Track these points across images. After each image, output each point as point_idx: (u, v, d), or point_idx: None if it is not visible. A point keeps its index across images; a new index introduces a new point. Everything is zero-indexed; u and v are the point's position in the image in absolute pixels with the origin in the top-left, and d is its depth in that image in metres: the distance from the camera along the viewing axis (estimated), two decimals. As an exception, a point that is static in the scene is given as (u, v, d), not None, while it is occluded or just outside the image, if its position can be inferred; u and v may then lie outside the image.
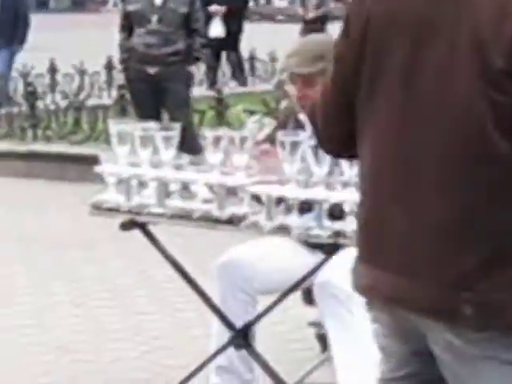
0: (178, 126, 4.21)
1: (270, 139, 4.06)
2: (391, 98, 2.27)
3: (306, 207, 3.85)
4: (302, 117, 4.30)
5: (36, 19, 15.89)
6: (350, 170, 3.74)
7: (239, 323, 4.06)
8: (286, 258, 4.12)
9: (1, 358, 5.15)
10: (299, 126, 4.24)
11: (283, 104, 9.07)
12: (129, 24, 9.11)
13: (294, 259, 4.09)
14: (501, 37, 2.08)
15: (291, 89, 4.29)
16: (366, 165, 2.35)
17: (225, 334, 4.10)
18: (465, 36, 2.17)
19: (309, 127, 4.09)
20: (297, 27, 22.40)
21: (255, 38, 17.30)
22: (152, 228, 4.21)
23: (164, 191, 4.06)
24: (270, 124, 4.44)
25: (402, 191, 2.26)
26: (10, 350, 5.33)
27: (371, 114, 2.31)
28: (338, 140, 2.48)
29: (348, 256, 3.83)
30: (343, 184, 3.77)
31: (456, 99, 2.17)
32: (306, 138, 3.83)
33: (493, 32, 2.14)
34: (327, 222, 3.79)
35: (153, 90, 8.79)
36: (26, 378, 4.85)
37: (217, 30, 15.87)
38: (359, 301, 3.86)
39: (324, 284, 3.93)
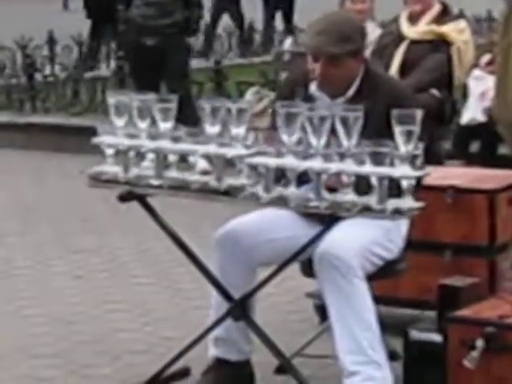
0: (176, 97, 4.22)
1: (269, 110, 4.09)
2: None
3: (304, 179, 3.88)
4: (314, 90, 4.32)
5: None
6: (347, 141, 3.75)
7: (238, 295, 4.09)
8: (286, 229, 4.13)
9: None
10: (309, 99, 4.23)
11: (282, 75, 9.00)
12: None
13: (293, 230, 4.12)
14: None
15: (313, 66, 4.24)
16: None
17: (223, 306, 4.11)
18: None
19: (323, 100, 4.22)
20: None
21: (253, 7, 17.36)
22: (150, 200, 4.22)
23: (162, 163, 4.06)
24: (268, 95, 4.47)
25: None
26: (7, 322, 5.34)
27: None
28: None
29: (348, 227, 3.88)
30: (340, 155, 3.77)
31: None
32: (305, 109, 3.82)
33: None
34: (325, 194, 3.79)
35: (151, 61, 8.76)
36: (22, 350, 4.84)
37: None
38: (359, 273, 3.92)
39: (324, 255, 3.92)
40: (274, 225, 4.17)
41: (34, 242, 6.84)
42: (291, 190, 3.84)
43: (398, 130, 3.68)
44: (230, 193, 3.94)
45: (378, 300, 4.05)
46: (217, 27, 16.10)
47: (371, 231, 4.04)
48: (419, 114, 3.74)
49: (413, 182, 3.70)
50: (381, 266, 4.11)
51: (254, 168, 3.90)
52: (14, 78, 10.54)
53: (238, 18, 16.25)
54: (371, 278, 4.01)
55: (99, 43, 13.31)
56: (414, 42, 6.88)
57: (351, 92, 4.23)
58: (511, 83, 3.64)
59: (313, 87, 4.29)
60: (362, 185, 3.76)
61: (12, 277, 6.10)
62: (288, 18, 18.08)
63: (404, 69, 6.95)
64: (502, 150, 6.98)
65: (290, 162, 3.83)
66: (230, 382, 4.20)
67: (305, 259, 4.16)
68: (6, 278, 6.03)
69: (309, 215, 4.03)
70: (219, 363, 4.21)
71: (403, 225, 4.16)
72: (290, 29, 12.01)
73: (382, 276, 4.14)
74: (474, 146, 7.13)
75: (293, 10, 18.93)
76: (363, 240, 4.02)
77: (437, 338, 4.16)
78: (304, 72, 4.42)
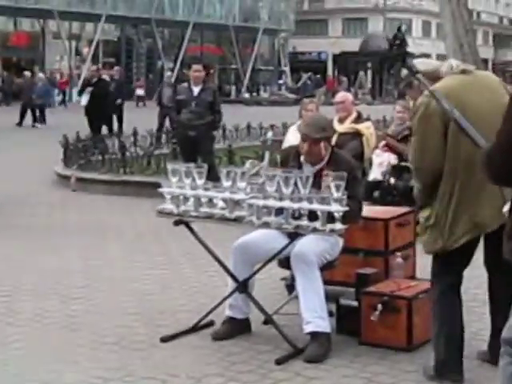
0: (206, 165, 4.29)
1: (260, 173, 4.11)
2: None
3: (279, 212, 3.88)
4: (302, 159, 4.26)
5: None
6: (303, 190, 3.79)
7: (242, 279, 4.08)
8: (270, 241, 4.08)
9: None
10: (299, 165, 4.23)
11: (266, 155, 9.03)
12: (178, 107, 9.03)
13: (274, 241, 4.06)
14: None
15: (303, 145, 4.21)
16: None
17: (234, 285, 4.12)
18: None
19: (306, 167, 4.17)
20: (275, 109, 22.07)
21: (250, 115, 17.28)
22: (191, 224, 4.24)
23: (198, 202, 4.08)
24: (257, 165, 4.48)
25: None
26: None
27: None
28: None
29: (310, 240, 3.95)
30: (299, 199, 3.80)
31: None
32: (298, 174, 3.86)
33: None
34: (291, 220, 3.85)
35: (192, 145, 8.70)
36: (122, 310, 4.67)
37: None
38: (316, 266, 3.95)
39: (297, 254, 3.93)
40: (264, 238, 4.11)
41: (116, 256, 6.42)
42: (271, 218, 3.87)
43: (332, 185, 3.73)
44: (237, 220, 3.97)
45: (324, 282, 4.03)
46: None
47: (323, 243, 4.03)
48: (345, 175, 3.77)
49: (341, 214, 3.72)
50: (326, 263, 4.10)
51: (250, 206, 3.90)
52: (113, 154, 10.57)
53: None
54: (321, 269, 4.01)
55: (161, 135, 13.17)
56: (341, 134, 6.85)
57: (324, 162, 4.19)
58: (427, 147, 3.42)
59: (302, 157, 4.25)
60: (312, 215, 3.80)
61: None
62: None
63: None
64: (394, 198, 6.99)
65: (271, 202, 3.85)
66: (237, 330, 4.16)
67: (281, 257, 4.14)
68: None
69: (283, 232, 4.01)
70: (230, 319, 4.18)
71: (341, 241, 4.13)
72: (271, 125, 12.04)
73: (326, 268, 4.12)
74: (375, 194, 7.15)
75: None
76: (319, 248, 4.01)
77: (355, 303, 4.17)
78: (296, 149, 4.36)
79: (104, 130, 13.91)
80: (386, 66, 47.14)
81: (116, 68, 22.02)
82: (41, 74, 26.09)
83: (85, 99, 12.53)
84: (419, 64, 3.71)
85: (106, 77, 15.08)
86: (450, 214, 3.36)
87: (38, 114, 21.38)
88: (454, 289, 3.53)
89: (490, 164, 2.21)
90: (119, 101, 15.78)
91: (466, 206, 3.34)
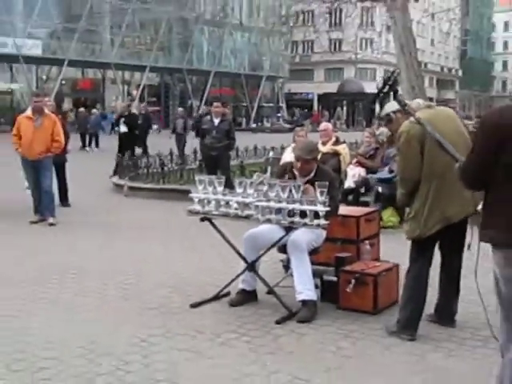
0: (224, 177, 4.29)
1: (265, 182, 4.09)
2: None
3: (278, 211, 3.86)
4: (296, 172, 4.21)
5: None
6: (296, 195, 3.78)
7: (250, 260, 4.09)
8: (272, 232, 4.06)
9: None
10: (293, 177, 4.22)
11: (268, 169, 9.02)
12: (202, 134, 9.00)
13: (275, 232, 4.05)
14: None
15: (296, 163, 4.20)
16: None
17: (244, 265, 4.12)
18: None
19: (299, 178, 4.11)
20: (275, 135, 21.79)
21: (256, 139, 17.25)
22: (214, 221, 4.22)
23: (218, 204, 4.07)
24: (262, 176, 4.45)
25: None
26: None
27: None
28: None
29: (302, 232, 3.93)
30: (293, 201, 3.79)
31: None
32: (292, 183, 3.85)
33: None
34: (287, 217, 3.83)
35: (213, 162, 8.66)
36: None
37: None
38: (306, 251, 3.92)
39: (293, 242, 3.92)
40: (267, 231, 4.08)
41: (169, 230, 6.44)
42: (272, 216, 3.86)
43: (318, 190, 3.74)
44: (247, 217, 3.96)
45: (311, 262, 4.01)
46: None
47: (311, 234, 4.02)
48: (327, 184, 3.76)
49: (324, 212, 3.71)
50: (313, 249, 4.08)
51: (256, 207, 3.90)
52: (154, 168, 10.52)
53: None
54: (309, 253, 3.99)
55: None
56: (324, 154, 6.81)
57: (312, 175, 4.15)
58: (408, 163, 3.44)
59: (296, 172, 4.22)
60: (303, 213, 3.78)
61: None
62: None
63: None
64: (362, 199, 7.03)
65: (272, 204, 3.86)
66: (247, 299, 4.14)
67: (280, 245, 4.12)
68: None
69: (281, 226, 3.98)
70: (242, 291, 4.16)
71: (324, 233, 4.10)
72: (272, 147, 11.98)
73: (313, 253, 4.09)
74: (349, 197, 7.09)
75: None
76: (308, 238, 3.99)
77: (334, 278, 4.16)
78: (291, 164, 4.35)
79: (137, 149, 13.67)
80: (357, 103, 47.02)
81: (142, 105, 21.60)
82: (94, 110, 25.35)
83: (123, 128, 12.47)
84: (391, 105, 3.76)
85: (135, 111, 14.95)
86: (426, 210, 3.37)
87: (93, 139, 21.10)
88: (425, 269, 3.50)
89: (463, 176, 2.34)
90: (154, 128, 15.56)
91: (438, 204, 3.34)
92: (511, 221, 2.17)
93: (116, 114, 16.92)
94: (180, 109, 20.45)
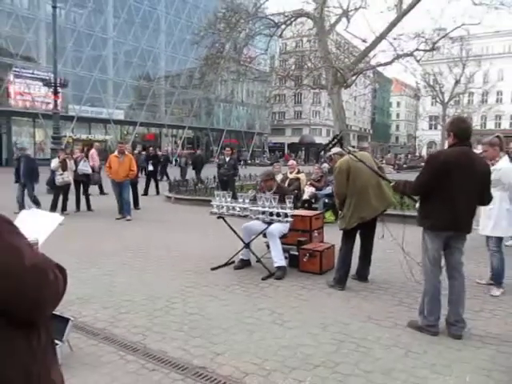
0: (231, 192, 4.27)
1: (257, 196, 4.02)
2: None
3: (263, 212, 3.75)
4: (275, 187, 3.96)
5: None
6: (273, 202, 3.67)
7: (247, 241, 3.98)
8: (259, 225, 3.92)
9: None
10: (279, 191, 4.01)
11: (257, 188, 8.60)
12: (218, 166, 8.87)
13: (261, 225, 3.91)
14: None
15: (261, 184, 4.08)
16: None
17: (243, 245, 4.00)
18: None
19: (267, 192, 3.93)
20: (261, 167, 20.36)
21: (251, 170, 16.79)
22: (225, 218, 4.07)
23: (228, 208, 3.97)
24: (254, 192, 4.35)
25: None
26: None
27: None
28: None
29: (275, 225, 3.74)
30: (271, 206, 3.69)
31: None
32: (270, 196, 3.66)
33: None
34: (268, 216, 3.73)
35: (224, 183, 8.52)
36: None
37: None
38: (278, 236, 3.74)
39: (270, 231, 3.81)
40: (256, 224, 3.93)
41: (199, 225, 6.12)
42: (260, 216, 3.77)
43: (287, 200, 3.66)
44: (245, 216, 3.86)
45: (282, 243, 3.90)
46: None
47: (282, 226, 3.89)
48: (292, 197, 3.73)
49: (290, 213, 3.65)
50: (283, 235, 3.97)
51: (250, 210, 3.82)
52: (190, 187, 10.20)
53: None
54: (281, 238, 3.89)
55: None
56: (291, 179, 6.76)
57: (274, 189, 4.05)
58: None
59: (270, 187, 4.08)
60: (277, 214, 3.68)
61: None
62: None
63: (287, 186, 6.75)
64: (314, 206, 6.79)
65: (259, 208, 3.76)
66: (245, 265, 4.01)
67: (263, 232, 3.97)
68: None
69: (264, 221, 3.85)
70: (242, 260, 4.05)
71: (289, 225, 3.93)
72: (260, 175, 11.54)
73: (283, 237, 3.97)
74: (306, 205, 6.72)
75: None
76: (280, 229, 3.88)
77: (296, 253, 4.05)
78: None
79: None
80: (311, 149, 47.17)
81: (164, 149, 20.57)
82: (143, 152, 24.03)
83: (150, 166, 12.20)
84: (334, 150, 3.72)
85: (159, 153, 13.99)
86: (349, 213, 3.39)
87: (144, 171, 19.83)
88: (350, 247, 3.50)
89: (415, 188, 2.47)
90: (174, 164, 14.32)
91: (357, 210, 3.38)
92: (443, 215, 2.34)
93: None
94: (184, 151, 19.65)
